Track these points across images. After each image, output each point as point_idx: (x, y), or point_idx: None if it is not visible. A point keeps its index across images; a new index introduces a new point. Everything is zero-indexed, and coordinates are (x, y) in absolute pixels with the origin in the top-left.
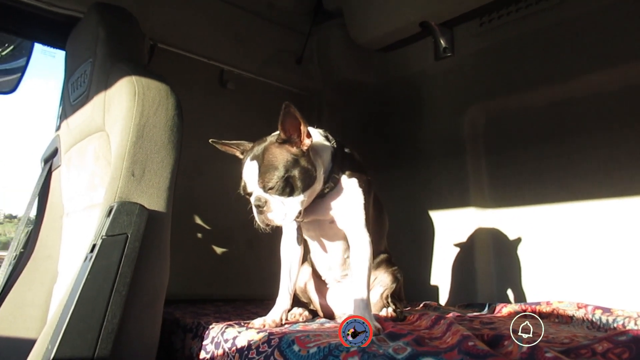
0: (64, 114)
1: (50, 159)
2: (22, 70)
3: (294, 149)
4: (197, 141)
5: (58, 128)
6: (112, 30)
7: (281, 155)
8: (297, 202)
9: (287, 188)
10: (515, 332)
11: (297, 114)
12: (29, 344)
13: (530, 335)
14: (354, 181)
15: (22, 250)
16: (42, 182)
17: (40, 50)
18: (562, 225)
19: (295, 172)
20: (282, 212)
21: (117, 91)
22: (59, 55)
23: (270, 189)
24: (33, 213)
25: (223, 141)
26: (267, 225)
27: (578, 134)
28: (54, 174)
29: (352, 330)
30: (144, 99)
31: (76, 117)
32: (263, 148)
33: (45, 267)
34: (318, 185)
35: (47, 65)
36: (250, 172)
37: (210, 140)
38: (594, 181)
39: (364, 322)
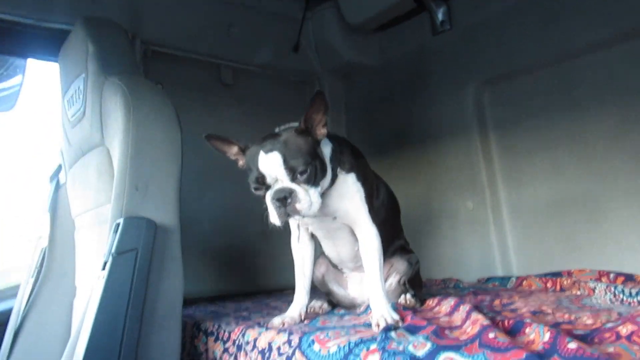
0: (64, 130)
1: (56, 176)
2: (19, 86)
3: (312, 140)
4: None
5: (60, 145)
6: (101, 44)
7: (305, 145)
8: (317, 193)
9: (313, 176)
10: (536, 315)
11: (326, 102)
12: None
13: (552, 316)
14: (352, 175)
15: (38, 268)
16: (51, 199)
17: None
18: (577, 192)
19: (317, 162)
20: (308, 201)
21: (112, 106)
22: None
23: (302, 174)
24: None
25: (219, 136)
26: (287, 218)
27: (587, 100)
28: (61, 192)
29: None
30: (139, 112)
31: (75, 134)
32: (283, 140)
33: (64, 284)
34: (327, 180)
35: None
36: (271, 163)
37: (205, 136)
38: (606, 146)
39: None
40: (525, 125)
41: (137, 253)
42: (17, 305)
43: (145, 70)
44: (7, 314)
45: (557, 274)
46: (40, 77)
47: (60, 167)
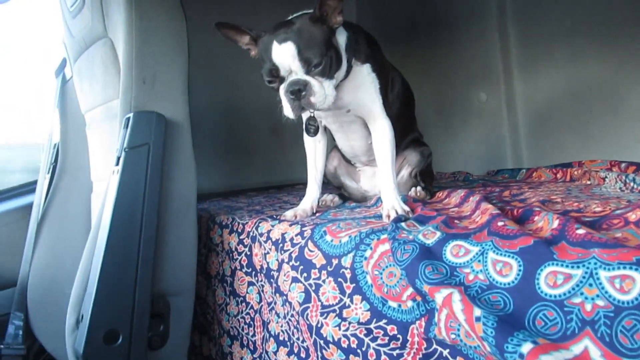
0: (65, 21)
1: (62, 70)
2: None
3: (327, 28)
4: (204, 32)
5: (62, 36)
6: None
7: (320, 34)
8: (332, 85)
9: (328, 68)
10: (545, 204)
11: None
12: (76, 250)
13: (561, 205)
14: (367, 66)
15: (53, 163)
16: (59, 95)
17: None
18: (595, 81)
19: (332, 53)
20: (323, 94)
21: None
22: None
23: (316, 67)
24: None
25: (231, 24)
26: (302, 111)
27: None
28: (68, 86)
29: (387, 214)
30: (142, 0)
31: (77, 25)
32: (298, 28)
33: (80, 178)
34: (342, 71)
35: None
36: (285, 54)
37: (215, 24)
38: (629, 32)
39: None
40: (545, 11)
41: (149, 147)
42: (37, 199)
43: None
44: (28, 208)
45: (568, 165)
46: None
47: (64, 60)
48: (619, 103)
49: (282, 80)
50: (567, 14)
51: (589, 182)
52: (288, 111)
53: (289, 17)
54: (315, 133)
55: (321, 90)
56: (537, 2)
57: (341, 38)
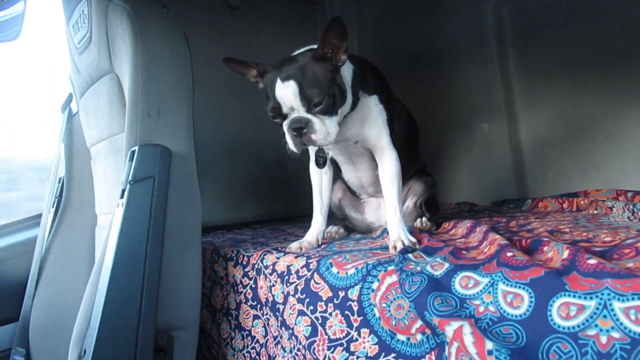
0: (72, 58)
1: (68, 105)
2: (22, 13)
3: (330, 66)
4: (209, 66)
5: (69, 73)
6: None
7: (322, 73)
8: (335, 122)
9: (329, 107)
10: (554, 234)
11: (344, 28)
12: (79, 285)
13: (570, 235)
14: (374, 98)
15: (58, 197)
16: (65, 129)
17: None
18: (596, 110)
19: (335, 90)
20: (324, 132)
21: (119, 30)
22: None
23: (316, 106)
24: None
25: (238, 59)
26: (304, 147)
27: (612, 11)
28: (74, 121)
29: (393, 245)
30: (147, 36)
31: (83, 61)
32: (300, 66)
33: (84, 212)
34: (347, 105)
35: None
36: (287, 92)
37: (222, 58)
38: (629, 61)
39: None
40: (545, 42)
41: (154, 180)
42: (41, 233)
43: None
44: (32, 242)
45: (574, 194)
46: (42, 4)
47: (71, 95)
48: (622, 132)
49: (285, 117)
50: (567, 44)
51: (596, 212)
52: (292, 146)
53: (295, 53)
54: (324, 165)
55: (322, 128)
56: (536, 33)
57: (347, 72)
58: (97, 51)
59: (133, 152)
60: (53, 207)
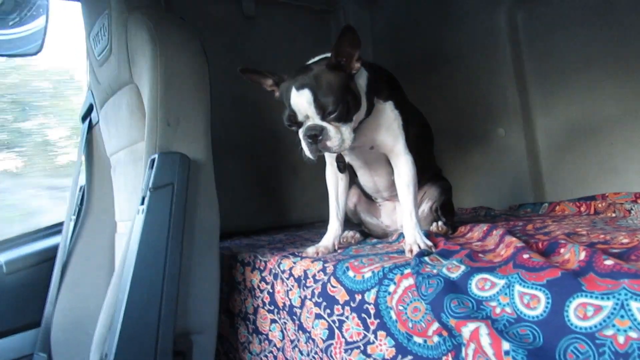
0: (92, 69)
1: (88, 116)
2: (44, 27)
3: (344, 74)
4: (228, 75)
5: (89, 84)
6: None
7: (336, 81)
8: (350, 129)
9: (344, 114)
10: (571, 236)
11: (357, 37)
12: (100, 290)
13: (587, 237)
14: (390, 103)
15: (79, 205)
16: (85, 139)
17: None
18: (614, 112)
19: (349, 98)
20: (339, 139)
21: (139, 42)
22: None
23: (331, 114)
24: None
25: (254, 69)
26: (320, 154)
27: (627, 12)
28: (95, 130)
29: (410, 249)
30: (166, 47)
31: (103, 72)
32: (314, 75)
33: (105, 220)
34: (362, 112)
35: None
36: (301, 101)
37: (239, 68)
38: None
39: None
40: (560, 45)
41: (174, 187)
42: (63, 241)
43: (166, 4)
44: (54, 249)
45: (591, 198)
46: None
47: (91, 106)
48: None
49: (300, 124)
50: (582, 46)
51: (614, 215)
52: (307, 153)
53: (310, 61)
54: (344, 170)
55: (337, 135)
56: (550, 37)
57: (361, 79)
58: (117, 62)
59: (153, 160)
60: (74, 215)
